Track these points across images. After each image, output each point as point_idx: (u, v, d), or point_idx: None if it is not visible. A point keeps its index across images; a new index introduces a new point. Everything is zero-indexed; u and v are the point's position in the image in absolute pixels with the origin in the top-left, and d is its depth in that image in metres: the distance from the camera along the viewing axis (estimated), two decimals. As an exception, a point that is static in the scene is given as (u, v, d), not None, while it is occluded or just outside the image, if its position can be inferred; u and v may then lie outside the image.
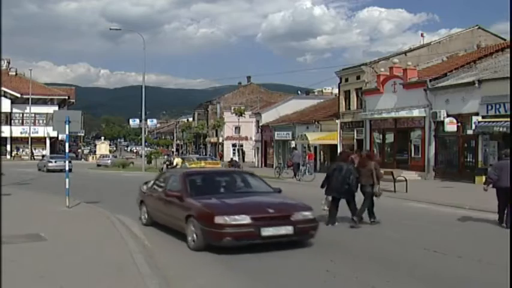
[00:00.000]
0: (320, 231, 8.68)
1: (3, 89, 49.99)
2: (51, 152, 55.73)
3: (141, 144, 47.64)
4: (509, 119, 19.12)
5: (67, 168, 13.84)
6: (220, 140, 62.87)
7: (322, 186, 11.37)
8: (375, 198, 10.98)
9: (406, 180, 18.59)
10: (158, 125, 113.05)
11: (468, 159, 23.38)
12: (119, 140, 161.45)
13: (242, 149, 51.78)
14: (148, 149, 67.93)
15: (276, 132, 43.54)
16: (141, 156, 44.24)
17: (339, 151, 33.50)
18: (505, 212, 10.51)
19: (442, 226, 11.30)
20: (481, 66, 25.18)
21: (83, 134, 77.95)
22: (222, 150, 60.66)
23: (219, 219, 7.70)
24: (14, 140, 54.31)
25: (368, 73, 30.97)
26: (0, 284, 5.12)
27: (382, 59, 31.73)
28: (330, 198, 11.01)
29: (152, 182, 11.08)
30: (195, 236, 8.03)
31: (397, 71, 27.62)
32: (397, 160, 27.55)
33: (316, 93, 58.48)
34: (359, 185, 10.97)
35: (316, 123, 37.11)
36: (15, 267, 6.40)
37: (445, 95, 24.11)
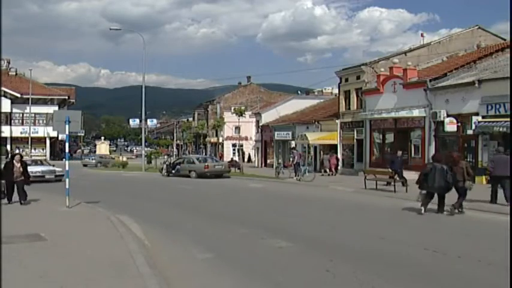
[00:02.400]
0: (321, 231, 8.70)
1: (3, 89, 49.96)
2: (51, 153, 55.77)
3: (141, 144, 47.60)
4: (509, 119, 19.14)
5: (67, 169, 13.79)
6: (220, 140, 62.84)
7: (417, 183, 12.97)
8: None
9: (406, 180, 18.59)
10: (158, 125, 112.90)
11: (468, 159, 23.32)
12: (119, 140, 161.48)
13: (242, 149, 51.75)
14: (148, 149, 67.92)
15: (276, 132, 43.54)
16: (141, 156, 44.20)
17: (338, 151, 33.66)
18: (497, 193, 13.89)
19: (442, 226, 11.31)
20: (481, 66, 25.18)
21: (83, 134, 77.88)
22: (222, 151, 60.63)
23: None
24: (14, 140, 54.26)
25: (368, 73, 30.97)
26: (0, 284, 5.12)
27: (382, 59, 31.71)
28: (424, 192, 12.79)
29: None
30: None
31: (397, 71, 27.62)
32: (397, 160, 27.52)
33: (316, 93, 58.44)
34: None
35: (316, 123, 37.10)
36: (15, 267, 6.40)
37: (445, 95, 24.11)
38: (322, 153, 35.05)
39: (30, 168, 15.89)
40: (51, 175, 24.36)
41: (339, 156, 33.58)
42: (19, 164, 14.16)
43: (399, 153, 21.87)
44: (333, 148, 34.05)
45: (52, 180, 23.57)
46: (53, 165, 26.04)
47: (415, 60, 29.47)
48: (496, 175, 13.82)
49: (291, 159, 27.60)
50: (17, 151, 53.18)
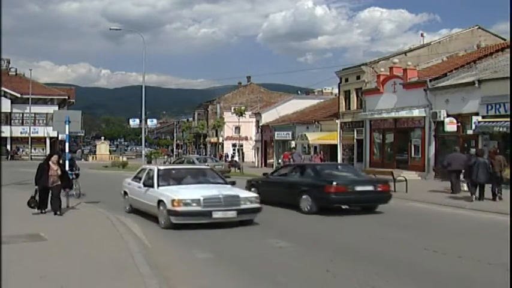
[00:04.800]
0: (321, 231, 8.71)
1: (3, 89, 49.97)
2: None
3: (141, 144, 47.62)
4: (509, 119, 19.13)
5: (67, 168, 13.78)
6: (220, 140, 62.85)
7: (464, 176, 15.89)
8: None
9: (406, 180, 18.58)
10: (158, 125, 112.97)
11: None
12: (119, 140, 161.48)
13: (242, 150, 51.78)
14: (148, 149, 67.90)
15: (276, 132, 43.54)
16: (140, 156, 44.23)
17: (339, 151, 33.64)
18: (458, 185, 16.92)
19: (442, 226, 11.32)
20: (481, 66, 25.17)
21: (83, 134, 77.89)
22: (222, 151, 60.65)
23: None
24: (14, 140, 54.29)
25: (368, 73, 30.96)
26: (0, 284, 5.12)
27: (382, 59, 31.70)
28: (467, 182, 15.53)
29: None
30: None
31: (397, 71, 27.61)
32: (397, 160, 27.54)
33: (316, 93, 58.44)
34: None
35: (316, 123, 37.10)
36: (15, 267, 6.40)
37: (445, 95, 24.11)
38: (322, 153, 35.02)
39: None
40: None
41: (339, 155, 33.58)
42: (56, 166, 11.98)
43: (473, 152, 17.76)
44: (333, 148, 34.05)
45: None
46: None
47: (415, 60, 29.46)
48: (453, 169, 16.85)
49: (291, 160, 27.45)
50: (20, 151, 53.80)
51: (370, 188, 13.19)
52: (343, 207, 12.97)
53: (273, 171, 17.59)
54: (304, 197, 12.83)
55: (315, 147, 35.98)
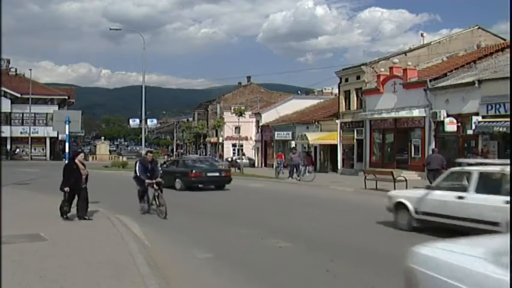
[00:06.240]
0: (321, 230, 8.71)
1: (3, 89, 49.97)
2: (50, 153, 55.74)
3: (141, 144, 47.61)
4: (509, 119, 19.13)
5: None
6: (220, 140, 62.83)
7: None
8: None
9: (406, 180, 18.58)
10: (158, 125, 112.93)
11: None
12: (119, 140, 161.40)
13: (242, 150, 51.78)
14: (148, 149, 67.83)
15: (276, 132, 43.55)
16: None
17: (338, 151, 33.64)
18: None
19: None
20: (481, 66, 25.18)
21: (83, 134, 77.86)
22: (222, 151, 60.63)
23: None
24: (14, 140, 54.29)
25: (368, 73, 30.97)
26: (0, 284, 5.12)
27: (382, 59, 31.72)
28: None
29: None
30: None
31: (397, 71, 27.62)
32: (397, 160, 27.55)
33: (316, 93, 58.45)
34: None
35: (316, 123, 37.11)
36: (15, 267, 6.40)
37: (445, 95, 24.11)
38: (322, 153, 35.06)
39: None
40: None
41: (339, 155, 33.56)
42: (82, 166, 11.06)
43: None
44: (333, 148, 34.02)
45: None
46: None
47: (415, 60, 29.48)
48: (432, 168, 18.20)
49: (289, 159, 27.60)
50: (17, 150, 53.77)
51: (217, 174, 20.84)
52: (199, 186, 19.98)
53: (162, 164, 22.48)
54: (177, 180, 19.72)
55: (299, 147, 36.15)
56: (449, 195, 9.28)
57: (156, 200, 12.18)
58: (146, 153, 13.88)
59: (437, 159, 18.56)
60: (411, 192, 11.26)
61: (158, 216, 11.91)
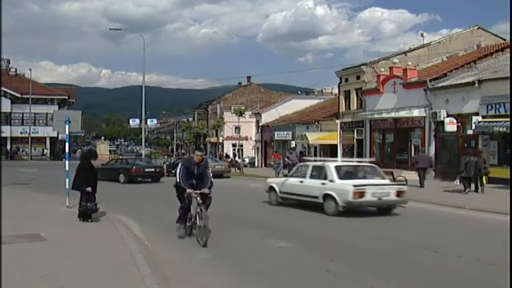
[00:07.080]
0: (321, 231, 8.69)
1: (3, 89, 49.97)
2: (50, 153, 55.72)
3: (141, 144, 47.62)
4: (509, 119, 19.13)
5: (67, 169, 13.78)
6: (220, 140, 62.80)
7: (458, 172, 17.76)
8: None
9: (406, 180, 18.59)
10: (158, 125, 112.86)
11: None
12: (119, 140, 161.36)
13: (242, 150, 51.79)
14: (148, 149, 67.85)
15: (276, 132, 43.53)
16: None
17: (338, 151, 33.58)
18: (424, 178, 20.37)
19: (442, 226, 11.31)
20: (481, 66, 25.17)
21: (83, 134, 77.88)
22: (223, 151, 60.60)
23: None
24: (14, 140, 54.30)
25: (368, 73, 30.96)
26: (0, 284, 5.12)
27: (382, 59, 31.70)
28: (462, 175, 17.56)
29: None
30: None
31: (397, 71, 27.62)
32: (397, 160, 27.54)
33: (316, 93, 58.41)
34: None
35: (316, 123, 37.10)
36: (15, 267, 6.40)
37: (445, 95, 24.10)
38: (322, 153, 35.01)
39: None
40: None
41: (339, 155, 33.51)
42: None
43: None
44: (333, 148, 33.98)
45: None
46: None
47: (415, 60, 29.47)
48: (420, 167, 20.39)
49: (286, 159, 27.73)
50: (19, 151, 53.76)
51: (152, 169, 26.15)
52: (139, 179, 24.88)
53: (107, 163, 28.54)
54: (121, 175, 24.72)
55: (299, 147, 36.30)
56: (296, 181, 13.94)
57: (197, 218, 8.92)
58: (194, 153, 10.13)
59: (425, 159, 21.25)
60: (278, 179, 16.43)
61: (197, 241, 8.73)
